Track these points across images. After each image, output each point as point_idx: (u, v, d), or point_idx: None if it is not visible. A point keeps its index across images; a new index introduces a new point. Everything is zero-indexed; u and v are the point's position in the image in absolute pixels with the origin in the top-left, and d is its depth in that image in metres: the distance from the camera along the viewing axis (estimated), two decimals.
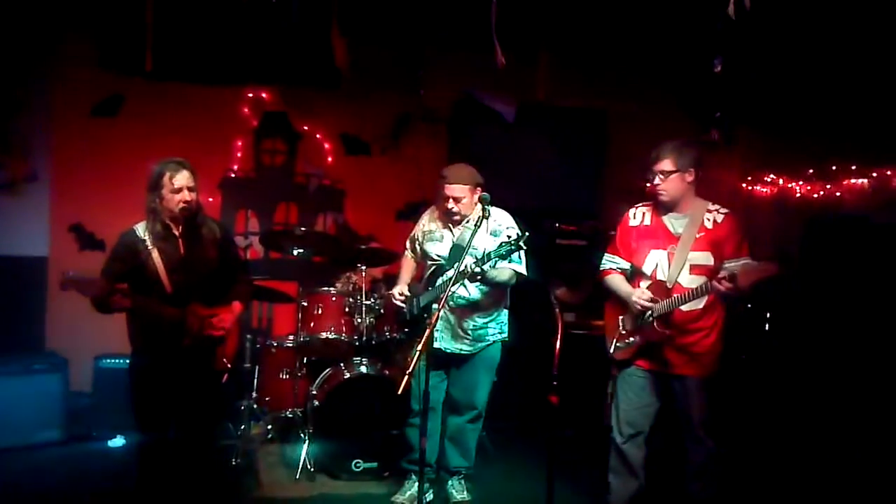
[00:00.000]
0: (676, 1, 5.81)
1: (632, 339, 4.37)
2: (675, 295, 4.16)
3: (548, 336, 4.14)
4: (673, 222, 4.31)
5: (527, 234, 4.31)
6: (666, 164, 4.22)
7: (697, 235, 4.21)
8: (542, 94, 6.93)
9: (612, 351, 4.47)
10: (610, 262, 4.54)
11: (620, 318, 4.45)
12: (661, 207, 4.35)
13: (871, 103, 6.33)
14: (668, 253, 4.27)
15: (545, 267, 5.25)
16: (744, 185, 8.03)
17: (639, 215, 4.47)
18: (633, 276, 4.44)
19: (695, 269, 4.19)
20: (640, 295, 4.26)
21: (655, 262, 4.31)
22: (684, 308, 4.18)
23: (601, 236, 6.93)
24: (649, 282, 4.30)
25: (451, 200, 4.63)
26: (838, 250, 6.64)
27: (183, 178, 4.18)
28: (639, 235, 4.42)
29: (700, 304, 4.19)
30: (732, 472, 4.72)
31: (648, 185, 4.31)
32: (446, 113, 7.58)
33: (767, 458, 5.76)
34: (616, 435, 4.46)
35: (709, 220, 4.23)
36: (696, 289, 4.08)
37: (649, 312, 4.23)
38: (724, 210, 4.27)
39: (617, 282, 4.48)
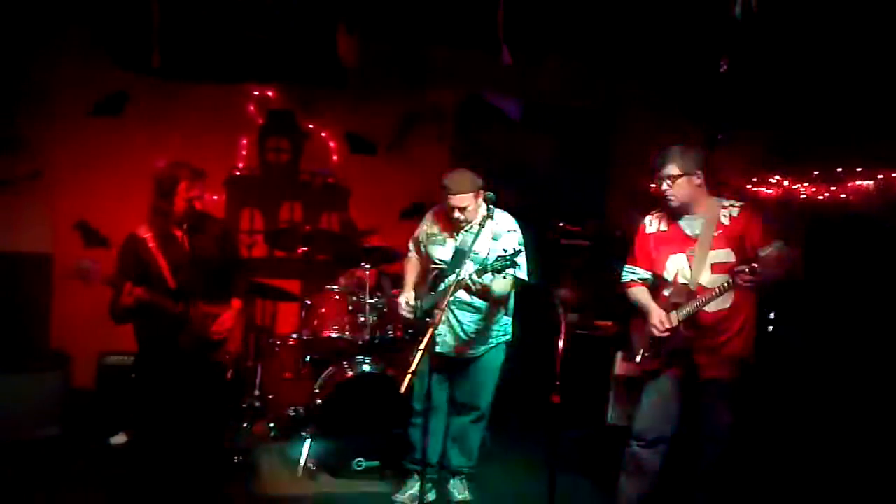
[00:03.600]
0: (683, 2, 5.80)
1: (659, 346, 4.32)
2: (699, 297, 4.12)
3: (551, 336, 4.12)
4: (688, 224, 4.27)
5: (521, 250, 4.36)
6: (671, 169, 4.17)
7: (715, 234, 4.17)
8: (549, 95, 6.93)
9: (638, 360, 4.42)
10: (631, 272, 4.50)
11: (646, 327, 4.38)
12: (675, 212, 4.31)
13: (877, 105, 6.31)
14: (688, 255, 4.22)
15: (549, 267, 5.24)
16: (748, 186, 8.00)
17: (654, 222, 4.42)
18: (656, 284, 4.39)
19: (716, 267, 4.13)
20: (657, 322, 4.23)
21: (676, 266, 4.27)
22: (710, 309, 4.14)
23: (605, 236, 6.93)
24: (671, 288, 4.27)
25: (456, 210, 4.62)
26: (843, 252, 6.62)
27: (197, 187, 4.27)
28: (656, 243, 4.38)
29: (726, 303, 4.14)
30: (738, 478, 4.69)
31: (653, 188, 4.29)
32: (452, 112, 7.58)
33: (774, 464, 5.74)
34: (634, 440, 4.41)
35: (725, 216, 4.18)
36: (718, 287, 4.03)
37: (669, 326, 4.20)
38: (738, 204, 4.22)
39: (639, 294, 4.44)
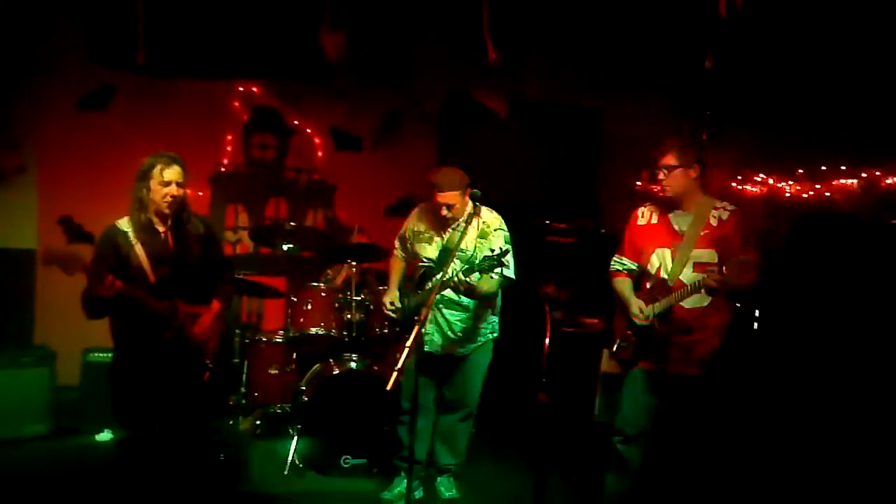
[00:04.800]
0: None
1: (635, 338, 4.34)
2: (675, 292, 4.15)
3: (537, 334, 4.13)
4: (678, 220, 4.30)
5: (508, 249, 4.34)
6: (669, 159, 4.22)
7: (702, 233, 4.19)
8: (535, 91, 6.93)
9: (614, 349, 4.44)
10: (618, 263, 4.52)
11: (626, 318, 4.41)
12: (666, 206, 4.34)
13: (861, 103, 6.35)
14: (672, 251, 4.25)
15: (535, 264, 5.24)
16: (734, 184, 8.04)
17: (646, 214, 4.45)
18: (641, 276, 4.43)
19: (698, 266, 4.15)
20: (636, 311, 4.26)
21: (659, 260, 4.30)
22: (687, 305, 4.17)
23: (591, 234, 6.94)
24: (652, 281, 4.29)
25: (444, 208, 4.62)
26: (827, 249, 6.65)
27: (173, 172, 4.17)
28: (645, 234, 4.40)
29: (704, 301, 4.17)
30: (722, 476, 4.71)
31: (640, 184, 4.31)
32: (437, 109, 7.57)
33: (758, 462, 5.77)
34: (616, 436, 4.42)
35: (714, 217, 4.21)
36: (691, 284, 4.07)
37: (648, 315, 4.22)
38: (730, 207, 4.26)
39: (622, 286, 4.46)
